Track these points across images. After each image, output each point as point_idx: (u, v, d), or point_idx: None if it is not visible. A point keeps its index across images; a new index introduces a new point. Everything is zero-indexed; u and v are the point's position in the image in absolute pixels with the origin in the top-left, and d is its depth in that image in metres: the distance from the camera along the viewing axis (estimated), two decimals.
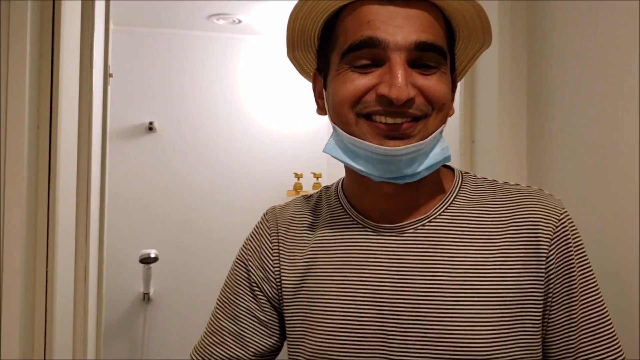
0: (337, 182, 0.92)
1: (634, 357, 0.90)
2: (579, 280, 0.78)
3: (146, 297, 2.88)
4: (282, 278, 0.86)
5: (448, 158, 0.79)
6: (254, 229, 0.95)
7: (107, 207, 1.89)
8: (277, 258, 0.88)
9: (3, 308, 0.98)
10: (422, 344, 0.76)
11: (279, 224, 0.91)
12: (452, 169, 0.87)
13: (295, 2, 0.80)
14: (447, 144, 0.80)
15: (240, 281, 0.92)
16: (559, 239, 0.77)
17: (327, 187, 0.93)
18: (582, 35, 1.14)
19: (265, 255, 0.90)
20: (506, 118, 1.34)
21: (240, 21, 2.89)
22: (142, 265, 2.82)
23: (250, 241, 0.94)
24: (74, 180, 1.17)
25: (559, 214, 0.78)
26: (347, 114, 0.76)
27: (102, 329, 1.81)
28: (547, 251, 0.77)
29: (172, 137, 3.01)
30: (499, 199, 0.82)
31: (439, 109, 0.76)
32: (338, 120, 0.78)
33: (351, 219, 0.84)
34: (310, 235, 0.87)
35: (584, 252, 0.79)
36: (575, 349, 0.78)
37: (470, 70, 1.07)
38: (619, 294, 0.97)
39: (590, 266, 0.79)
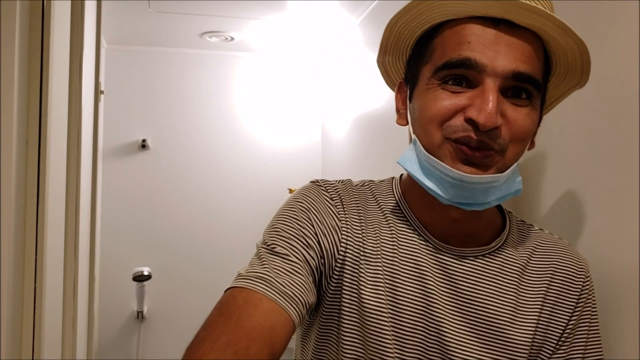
0: (390, 184, 0.89)
1: (634, 357, 0.89)
2: (592, 331, 0.84)
3: (140, 315, 2.86)
4: (347, 254, 0.80)
5: (519, 191, 0.78)
6: (309, 191, 0.84)
7: (100, 225, 1.88)
8: (345, 229, 0.81)
9: None
10: (454, 350, 0.78)
11: (342, 199, 0.84)
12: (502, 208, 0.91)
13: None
14: (520, 177, 0.78)
15: (301, 227, 0.79)
16: (585, 294, 0.84)
17: (374, 184, 0.89)
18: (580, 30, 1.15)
19: (332, 221, 0.81)
20: None
21: (232, 38, 2.90)
22: (135, 283, 2.80)
23: (309, 197, 0.83)
24: (63, 197, 1.17)
25: (586, 272, 0.86)
26: (434, 134, 0.74)
27: (92, 348, 1.79)
28: (574, 304, 0.83)
29: (165, 155, 3.01)
30: (540, 247, 0.87)
31: (518, 142, 0.74)
32: (423, 136, 0.76)
33: (413, 229, 0.82)
34: (372, 229, 0.82)
35: (596, 307, 0.87)
36: None
37: None
38: (619, 292, 0.97)
39: (597, 319, 0.86)
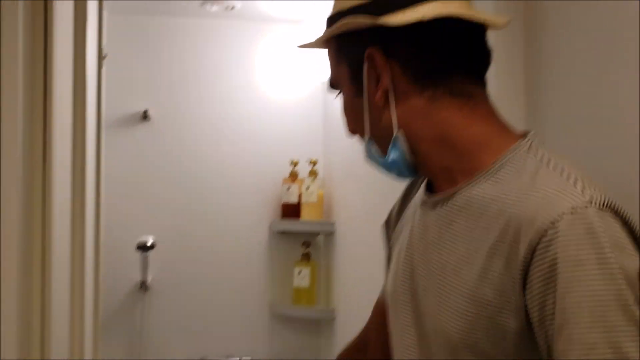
0: None
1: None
2: (560, 312, 0.65)
3: (143, 285, 2.88)
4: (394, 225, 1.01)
5: (392, 160, 0.84)
6: None
7: (103, 195, 1.88)
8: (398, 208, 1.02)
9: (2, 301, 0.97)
10: (424, 315, 0.82)
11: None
12: (519, 143, 0.79)
13: None
14: (399, 140, 0.82)
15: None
16: (541, 252, 0.67)
17: None
18: (579, 25, 1.15)
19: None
20: (504, 105, 1.37)
21: (233, 7, 2.87)
22: (139, 252, 2.81)
23: None
24: (69, 166, 1.16)
25: (550, 218, 0.67)
26: None
27: (99, 318, 1.80)
28: (524, 264, 0.68)
29: (166, 125, 3.00)
30: (517, 186, 0.74)
31: (350, 132, 0.92)
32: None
33: (424, 187, 0.91)
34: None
35: (585, 273, 0.64)
36: None
37: None
38: None
39: (593, 294, 0.64)
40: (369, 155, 0.90)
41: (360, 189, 2.54)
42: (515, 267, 0.69)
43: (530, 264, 0.67)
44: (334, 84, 0.89)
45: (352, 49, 0.83)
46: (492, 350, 0.73)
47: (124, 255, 2.86)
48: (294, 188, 2.98)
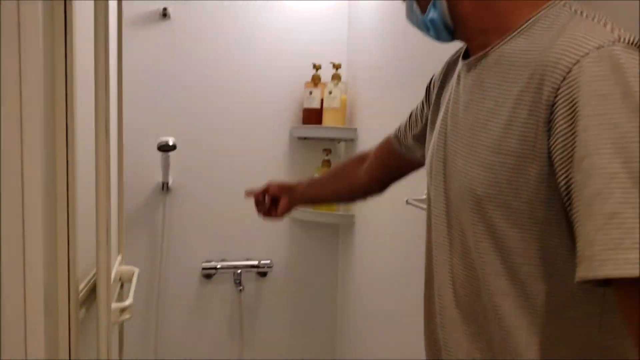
0: None
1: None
2: (582, 145, 0.66)
3: (165, 186, 2.90)
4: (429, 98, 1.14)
5: (432, 19, 0.88)
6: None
7: (124, 96, 1.85)
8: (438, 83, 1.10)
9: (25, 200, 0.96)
10: (452, 176, 0.88)
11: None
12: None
13: None
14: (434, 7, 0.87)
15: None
16: (566, 91, 0.68)
17: None
18: None
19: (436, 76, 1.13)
20: None
21: None
22: (160, 153, 2.80)
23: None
24: (91, 69, 1.13)
25: (575, 57, 0.67)
26: None
27: (122, 217, 1.82)
28: (549, 106, 0.70)
29: (187, 25, 2.90)
30: (548, 37, 0.74)
31: None
32: None
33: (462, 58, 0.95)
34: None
35: (609, 106, 0.64)
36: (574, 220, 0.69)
37: None
38: None
39: (615, 126, 0.64)
40: (410, 13, 0.92)
41: (383, 95, 2.46)
42: (539, 111, 0.71)
43: (554, 104, 0.69)
44: None
45: None
46: (515, 201, 0.76)
47: (145, 157, 2.86)
48: (316, 92, 2.92)
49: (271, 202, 1.55)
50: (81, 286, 1.18)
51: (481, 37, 0.85)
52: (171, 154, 2.82)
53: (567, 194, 0.69)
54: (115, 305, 1.35)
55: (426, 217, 1.02)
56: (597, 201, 0.63)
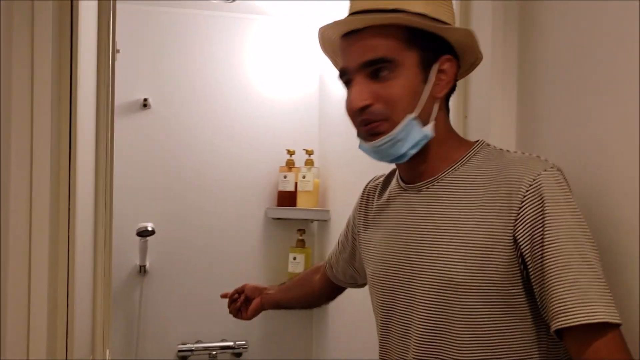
0: None
1: (634, 357, 0.90)
2: (548, 235, 0.90)
3: (142, 270, 2.95)
4: (357, 225, 1.27)
5: (428, 136, 1.01)
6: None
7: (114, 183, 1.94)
8: (360, 210, 1.26)
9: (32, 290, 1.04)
10: (422, 271, 1.02)
11: (368, 187, 1.29)
12: (477, 142, 1.07)
13: None
14: (429, 124, 1.02)
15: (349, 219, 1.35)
16: (531, 196, 0.92)
17: None
18: (576, 20, 1.17)
19: (355, 208, 1.30)
20: (498, 94, 1.40)
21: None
22: (138, 238, 2.88)
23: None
24: (92, 153, 1.22)
25: (534, 175, 0.93)
26: (354, 123, 1.04)
27: (110, 297, 1.87)
28: (518, 207, 0.93)
29: (166, 114, 3.06)
30: (494, 165, 1.01)
31: (395, 105, 0.98)
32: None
33: (397, 183, 1.14)
34: (382, 195, 1.19)
35: (560, 208, 0.91)
36: (544, 301, 0.93)
37: None
38: (617, 287, 0.95)
39: (566, 222, 0.90)
40: (408, 127, 1.02)
41: (354, 177, 2.61)
42: (510, 213, 0.93)
43: (522, 206, 0.92)
44: (379, 60, 0.99)
45: (429, 44, 1.00)
46: (484, 285, 0.95)
47: (124, 241, 2.92)
48: (291, 176, 3.06)
49: (244, 301, 1.65)
50: None
51: (433, 162, 1.06)
52: (150, 237, 2.90)
53: (534, 270, 0.92)
54: None
55: (379, 323, 1.18)
56: (563, 272, 0.88)
